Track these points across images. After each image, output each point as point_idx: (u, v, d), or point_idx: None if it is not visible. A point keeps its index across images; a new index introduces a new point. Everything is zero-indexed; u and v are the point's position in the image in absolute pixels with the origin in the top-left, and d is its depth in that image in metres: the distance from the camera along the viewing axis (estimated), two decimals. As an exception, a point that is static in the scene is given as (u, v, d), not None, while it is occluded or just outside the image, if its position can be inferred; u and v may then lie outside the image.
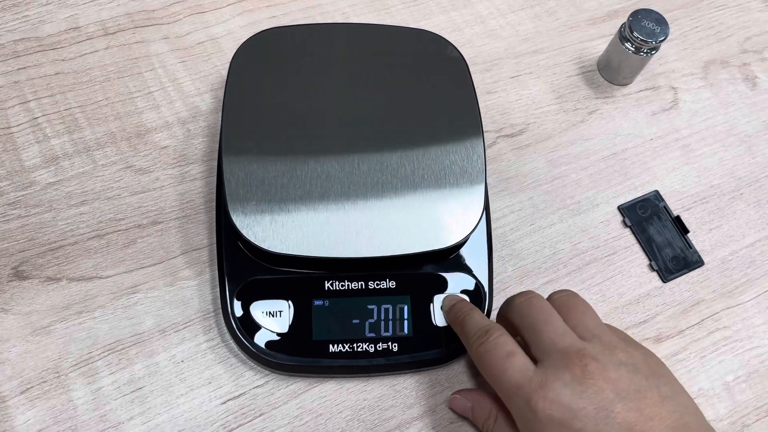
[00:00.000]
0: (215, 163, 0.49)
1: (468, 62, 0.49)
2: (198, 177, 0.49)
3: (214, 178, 0.48)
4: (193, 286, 0.45)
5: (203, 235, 0.47)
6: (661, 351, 0.46)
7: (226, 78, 0.47)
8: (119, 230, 0.47)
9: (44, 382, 0.42)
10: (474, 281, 0.45)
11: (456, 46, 0.50)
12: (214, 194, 0.48)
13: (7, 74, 0.51)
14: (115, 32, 0.54)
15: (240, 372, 0.43)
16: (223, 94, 0.46)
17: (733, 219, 0.52)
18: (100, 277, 0.45)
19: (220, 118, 0.50)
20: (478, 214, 0.44)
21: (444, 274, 0.45)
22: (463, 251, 0.46)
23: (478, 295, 0.45)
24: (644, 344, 0.39)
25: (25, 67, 0.52)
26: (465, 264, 0.46)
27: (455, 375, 0.45)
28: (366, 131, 0.46)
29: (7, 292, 0.44)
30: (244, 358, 0.43)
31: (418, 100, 0.48)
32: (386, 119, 0.46)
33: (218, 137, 0.49)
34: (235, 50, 0.48)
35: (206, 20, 0.56)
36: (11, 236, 0.46)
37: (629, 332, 0.46)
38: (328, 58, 0.49)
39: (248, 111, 0.46)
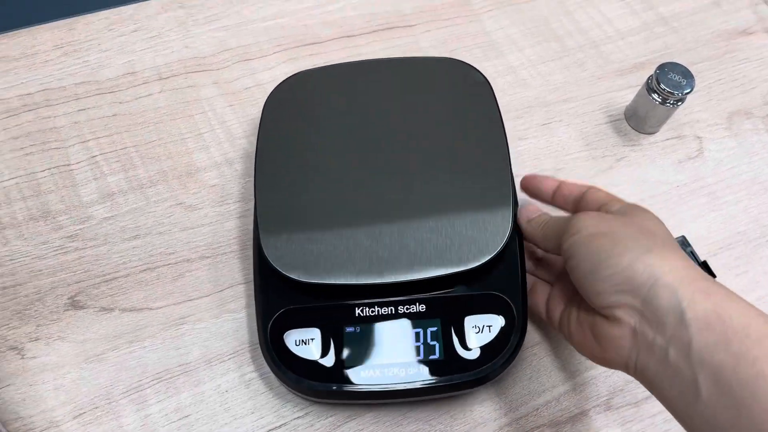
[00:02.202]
0: (260, 202, 0.52)
1: (501, 109, 0.52)
2: (245, 214, 0.52)
3: (260, 216, 0.51)
4: (239, 319, 0.48)
5: (249, 269, 0.49)
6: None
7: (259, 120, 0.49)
8: (169, 264, 0.49)
9: (96, 408, 0.44)
10: (506, 301, 0.45)
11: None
12: (259, 231, 0.50)
13: (69, 115, 0.55)
14: (168, 77, 0.58)
15: (281, 403, 0.45)
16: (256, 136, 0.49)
17: (759, 265, 0.53)
18: (150, 309, 0.47)
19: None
20: (505, 236, 0.45)
21: (474, 294, 0.45)
22: (493, 273, 0.46)
23: (510, 315, 0.45)
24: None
25: (84, 109, 0.55)
26: (496, 285, 0.46)
27: (487, 400, 0.46)
28: (394, 166, 0.48)
29: (64, 320, 0.46)
30: (285, 390, 0.45)
31: (444, 127, 0.49)
32: (413, 150, 0.48)
33: (264, 177, 0.52)
34: (278, 95, 0.51)
35: (253, 67, 0.59)
36: (69, 267, 0.48)
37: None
38: (356, 94, 0.51)
39: (280, 151, 0.48)
